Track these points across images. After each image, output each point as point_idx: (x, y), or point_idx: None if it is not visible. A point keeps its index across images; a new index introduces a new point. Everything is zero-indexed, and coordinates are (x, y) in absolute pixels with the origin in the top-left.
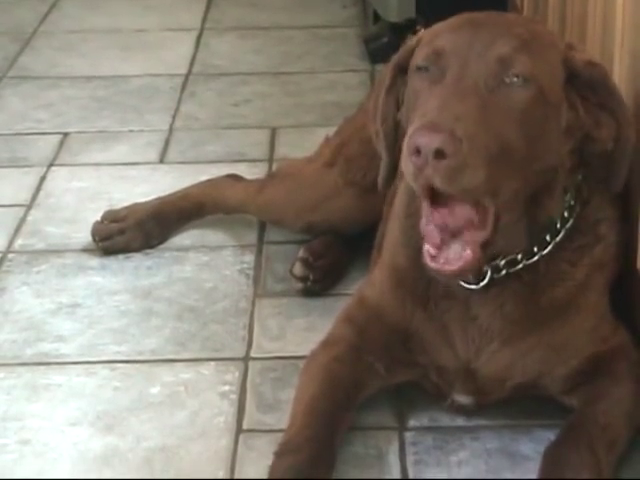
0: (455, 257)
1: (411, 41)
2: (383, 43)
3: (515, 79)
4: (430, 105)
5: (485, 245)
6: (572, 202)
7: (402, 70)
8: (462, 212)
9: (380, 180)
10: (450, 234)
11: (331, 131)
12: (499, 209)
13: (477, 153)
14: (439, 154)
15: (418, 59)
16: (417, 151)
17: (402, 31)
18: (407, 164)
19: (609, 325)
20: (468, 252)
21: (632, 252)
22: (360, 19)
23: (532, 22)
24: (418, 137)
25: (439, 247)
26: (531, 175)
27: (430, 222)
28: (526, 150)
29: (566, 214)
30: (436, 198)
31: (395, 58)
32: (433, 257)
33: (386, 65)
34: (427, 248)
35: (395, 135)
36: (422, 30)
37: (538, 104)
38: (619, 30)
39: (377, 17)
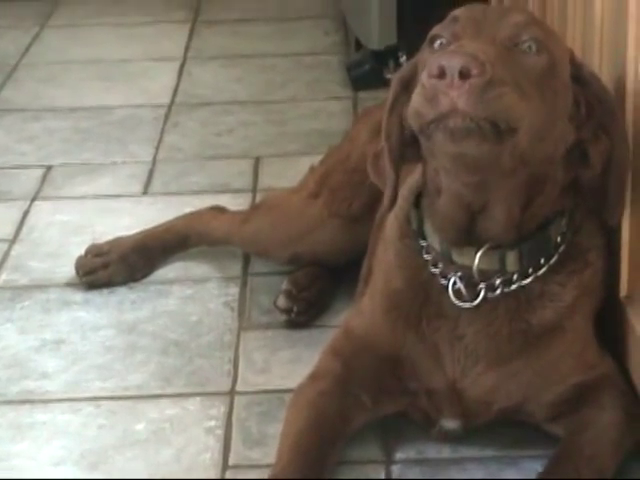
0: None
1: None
2: (365, 70)
3: (529, 47)
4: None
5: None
6: (565, 229)
7: (405, 85)
8: None
9: (386, 200)
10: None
11: (315, 160)
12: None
13: (500, 77)
14: (464, 74)
15: (432, 32)
16: (441, 72)
17: (384, 58)
18: (424, 94)
19: (595, 352)
20: None
21: (615, 282)
22: (342, 46)
23: None
24: (442, 59)
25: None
26: (539, 150)
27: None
28: (542, 110)
29: (559, 239)
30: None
31: (399, 73)
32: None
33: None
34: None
35: (400, 152)
36: (404, 57)
37: (550, 75)
38: (597, 44)
39: (359, 44)
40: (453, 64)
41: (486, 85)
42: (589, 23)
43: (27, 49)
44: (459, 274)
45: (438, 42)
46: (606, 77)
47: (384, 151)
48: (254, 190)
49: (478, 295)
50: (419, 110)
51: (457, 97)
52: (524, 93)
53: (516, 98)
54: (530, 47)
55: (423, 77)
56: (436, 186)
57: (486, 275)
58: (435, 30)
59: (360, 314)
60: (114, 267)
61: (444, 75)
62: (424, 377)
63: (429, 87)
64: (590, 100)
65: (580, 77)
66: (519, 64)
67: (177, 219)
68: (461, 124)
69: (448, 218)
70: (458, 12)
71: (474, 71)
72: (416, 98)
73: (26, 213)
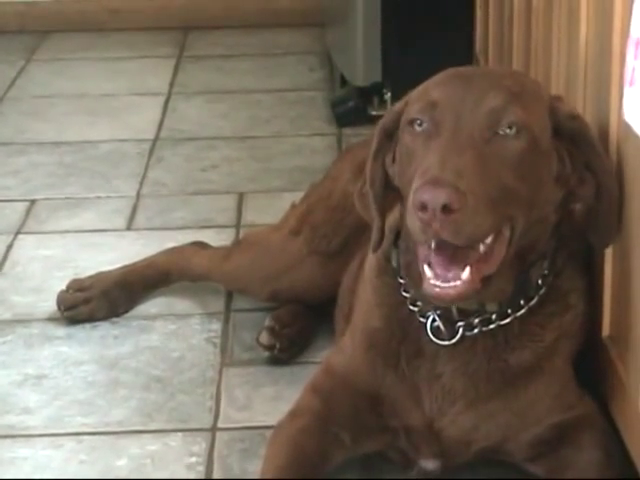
0: (454, 277)
1: (398, 104)
2: (350, 107)
3: (508, 130)
4: (429, 161)
5: (485, 279)
6: (546, 272)
7: (389, 134)
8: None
9: (372, 244)
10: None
11: (298, 196)
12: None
13: (481, 204)
14: (446, 209)
15: (411, 112)
16: (423, 207)
17: (368, 95)
18: (413, 220)
19: (574, 393)
20: (467, 275)
21: (598, 321)
22: (327, 82)
23: (518, 74)
24: (424, 193)
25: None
26: (528, 221)
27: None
28: (524, 196)
29: (540, 282)
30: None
31: (382, 121)
32: (431, 281)
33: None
34: (426, 270)
35: (384, 198)
36: (389, 94)
37: (531, 153)
38: (581, 85)
39: (344, 80)
40: (435, 201)
41: (468, 217)
42: (573, 64)
43: (12, 82)
44: (438, 312)
45: (418, 122)
46: (590, 118)
47: (369, 197)
48: (238, 226)
49: (456, 333)
50: (413, 234)
51: (441, 230)
52: (507, 195)
53: (499, 216)
54: (510, 128)
55: (409, 205)
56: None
57: (465, 314)
58: (414, 115)
59: (340, 352)
60: (96, 302)
61: (427, 209)
62: (403, 415)
63: (415, 217)
64: (571, 150)
65: (559, 126)
66: (499, 156)
67: (159, 255)
68: (450, 300)
69: None
70: (437, 94)
71: (455, 204)
72: (409, 221)
73: (9, 247)
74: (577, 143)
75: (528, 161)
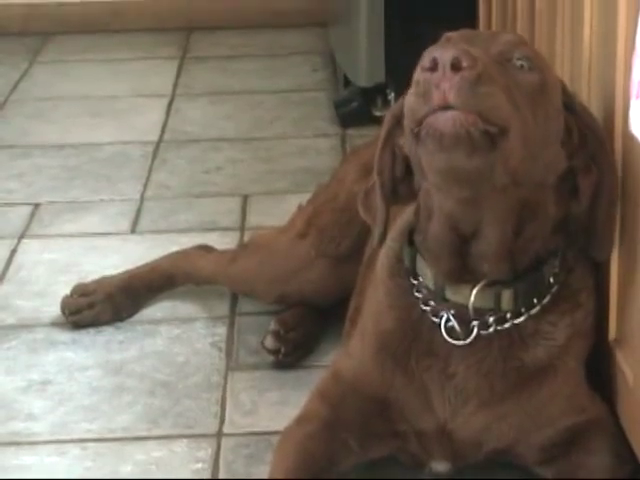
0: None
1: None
2: (353, 108)
3: (521, 64)
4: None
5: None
6: (557, 270)
7: (398, 121)
8: None
9: (375, 236)
10: None
11: (303, 198)
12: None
13: (491, 74)
14: (456, 66)
15: (420, 65)
16: (433, 65)
17: (372, 95)
18: (417, 87)
19: (586, 395)
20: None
21: (604, 325)
22: (331, 83)
23: None
24: (434, 50)
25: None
26: (531, 171)
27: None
28: (533, 122)
29: (552, 280)
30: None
31: (391, 110)
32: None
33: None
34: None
35: (391, 188)
36: (392, 95)
37: (542, 93)
38: (586, 60)
39: (348, 81)
40: (446, 56)
41: (477, 80)
42: (577, 54)
43: (16, 85)
44: (452, 312)
45: (428, 67)
46: (595, 108)
47: (375, 186)
48: (242, 228)
49: (471, 333)
50: (412, 107)
51: (448, 90)
52: (515, 98)
53: (506, 98)
54: (522, 64)
55: (417, 72)
56: (428, 211)
57: (479, 313)
58: (425, 62)
59: (348, 356)
60: (100, 307)
61: (436, 67)
62: (413, 418)
63: (422, 81)
64: (582, 129)
65: (572, 106)
66: (511, 75)
67: (163, 258)
68: (451, 128)
69: (440, 242)
70: (450, 34)
71: (465, 64)
72: (410, 96)
73: (14, 252)
74: (590, 131)
75: (538, 99)
